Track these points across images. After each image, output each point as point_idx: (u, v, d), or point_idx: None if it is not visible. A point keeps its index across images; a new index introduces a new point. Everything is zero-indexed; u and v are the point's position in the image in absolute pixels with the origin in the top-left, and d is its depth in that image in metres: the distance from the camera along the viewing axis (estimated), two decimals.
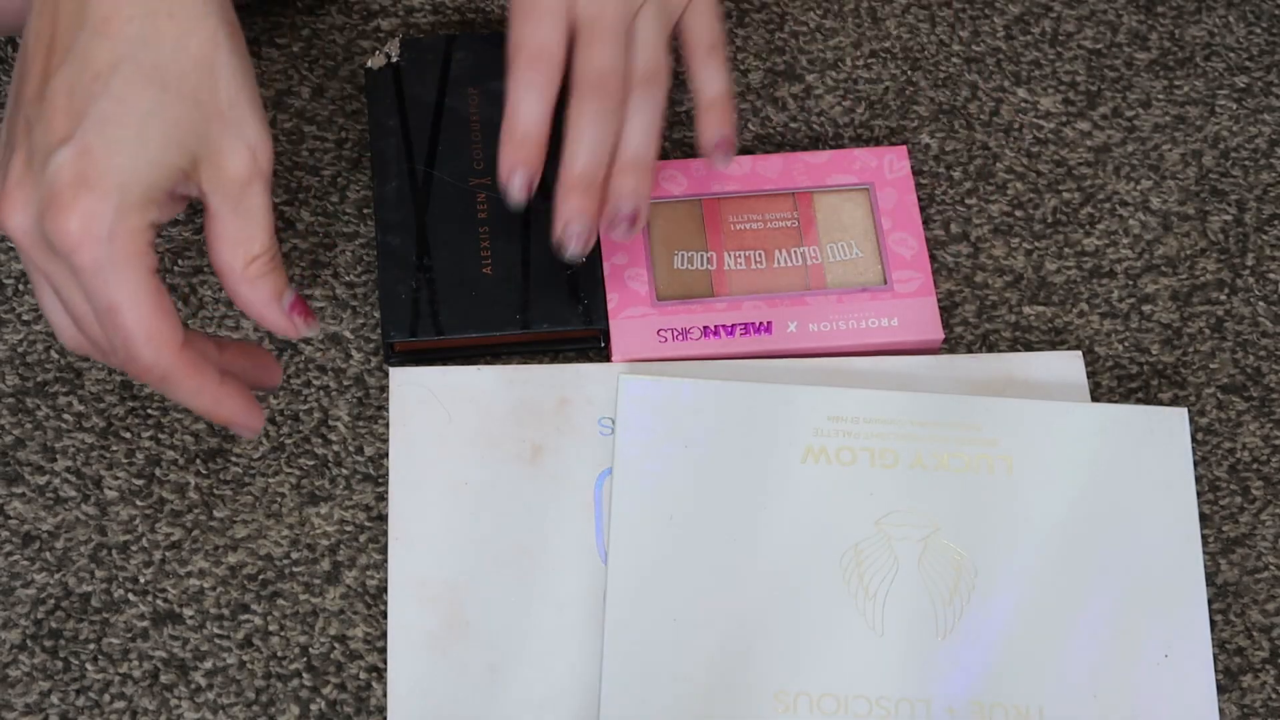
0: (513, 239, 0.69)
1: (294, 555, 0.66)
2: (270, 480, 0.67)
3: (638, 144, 0.63)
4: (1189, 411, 0.70)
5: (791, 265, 0.70)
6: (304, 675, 0.64)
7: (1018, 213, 0.74)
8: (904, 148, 0.72)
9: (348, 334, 0.70)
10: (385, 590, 0.65)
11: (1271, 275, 0.73)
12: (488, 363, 0.69)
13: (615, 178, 0.63)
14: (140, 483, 0.67)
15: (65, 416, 0.68)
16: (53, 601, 0.65)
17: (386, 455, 0.67)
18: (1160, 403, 0.70)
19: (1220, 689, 0.65)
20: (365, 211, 0.72)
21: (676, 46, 0.66)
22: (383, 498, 0.67)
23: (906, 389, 0.68)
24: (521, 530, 0.65)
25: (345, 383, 0.69)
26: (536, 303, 0.68)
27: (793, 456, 0.66)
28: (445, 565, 0.65)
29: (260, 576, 0.65)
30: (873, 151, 0.72)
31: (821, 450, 0.66)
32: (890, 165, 0.72)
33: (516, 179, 0.62)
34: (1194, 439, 0.70)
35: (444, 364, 0.68)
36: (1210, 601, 0.67)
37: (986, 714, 0.63)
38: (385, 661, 0.64)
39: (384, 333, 0.67)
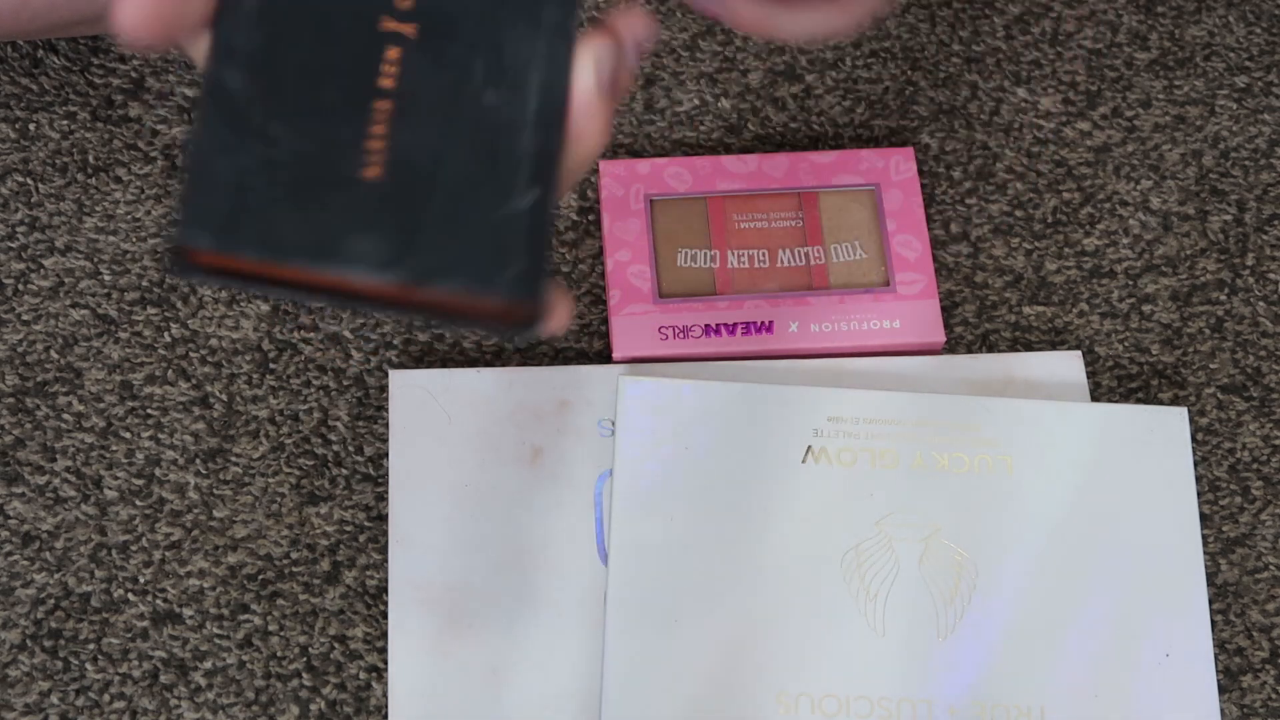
0: (427, 130, 0.42)
1: (294, 555, 0.66)
2: (270, 480, 0.67)
3: None
4: (1189, 411, 0.70)
5: (795, 265, 0.70)
6: (304, 675, 0.64)
7: (1018, 213, 0.74)
8: (910, 149, 0.72)
9: (347, 334, 0.69)
10: (385, 590, 0.65)
11: (1271, 275, 0.73)
12: (487, 364, 0.69)
13: None
14: (140, 483, 0.67)
15: (65, 416, 0.68)
16: (53, 601, 0.65)
17: (386, 455, 0.67)
18: (1160, 403, 0.70)
19: (1220, 689, 0.65)
20: None
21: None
22: (383, 498, 0.67)
23: (907, 389, 0.68)
24: (522, 532, 0.65)
25: (345, 383, 0.69)
26: (437, 242, 0.41)
27: (793, 457, 0.66)
28: (445, 567, 0.65)
29: (260, 576, 0.65)
30: (879, 153, 0.72)
31: (822, 451, 0.66)
32: (896, 166, 0.72)
33: None
34: (1194, 439, 0.70)
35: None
36: (1210, 601, 0.67)
37: (988, 714, 0.63)
38: (385, 661, 0.64)
39: (181, 226, 0.40)
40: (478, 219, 0.41)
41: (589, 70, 0.43)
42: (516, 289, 0.40)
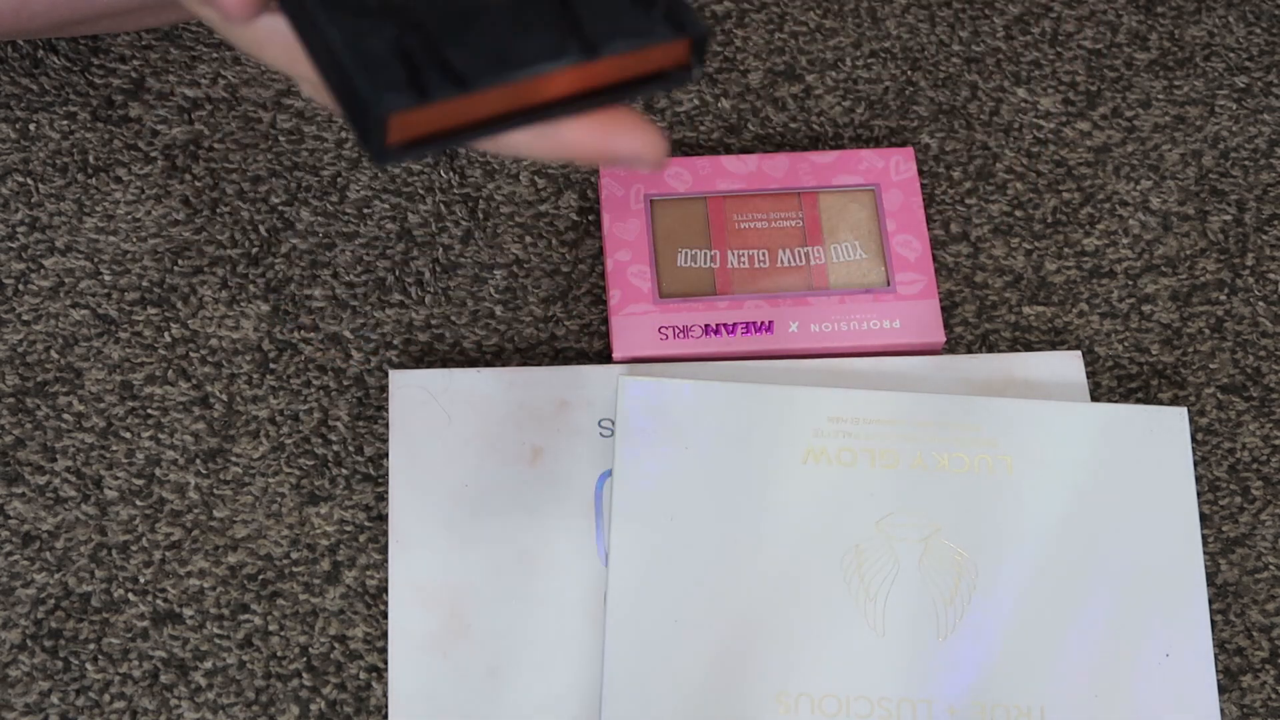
0: None
1: (294, 555, 0.66)
2: (270, 480, 0.67)
3: None
4: (1189, 411, 0.70)
5: (795, 265, 0.70)
6: (304, 675, 0.64)
7: (1018, 213, 0.74)
8: (910, 149, 0.72)
9: (347, 334, 0.69)
10: (385, 590, 0.65)
11: (1271, 275, 0.73)
12: (487, 364, 0.69)
13: None
14: (140, 483, 0.67)
15: (65, 416, 0.68)
16: (53, 601, 0.65)
17: (386, 455, 0.67)
18: (1160, 403, 0.70)
19: (1220, 689, 0.65)
20: (365, 211, 0.72)
21: None
22: (383, 498, 0.67)
23: (907, 389, 0.68)
24: (522, 532, 0.65)
25: (345, 383, 0.69)
26: (586, 18, 0.44)
27: (793, 457, 0.66)
28: (445, 567, 0.65)
29: (260, 576, 0.65)
30: (879, 153, 0.72)
31: (822, 451, 0.66)
32: (896, 166, 0.72)
33: None
34: (1194, 439, 0.70)
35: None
36: (1210, 601, 0.67)
37: (988, 714, 0.63)
38: (385, 662, 0.64)
39: (369, 107, 0.42)
40: None
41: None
42: (671, 27, 0.44)
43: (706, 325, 0.69)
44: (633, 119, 0.45)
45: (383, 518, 0.66)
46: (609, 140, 0.45)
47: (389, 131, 0.43)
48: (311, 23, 0.43)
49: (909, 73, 0.77)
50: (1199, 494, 0.69)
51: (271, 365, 0.69)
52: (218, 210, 0.72)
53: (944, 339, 0.69)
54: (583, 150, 0.45)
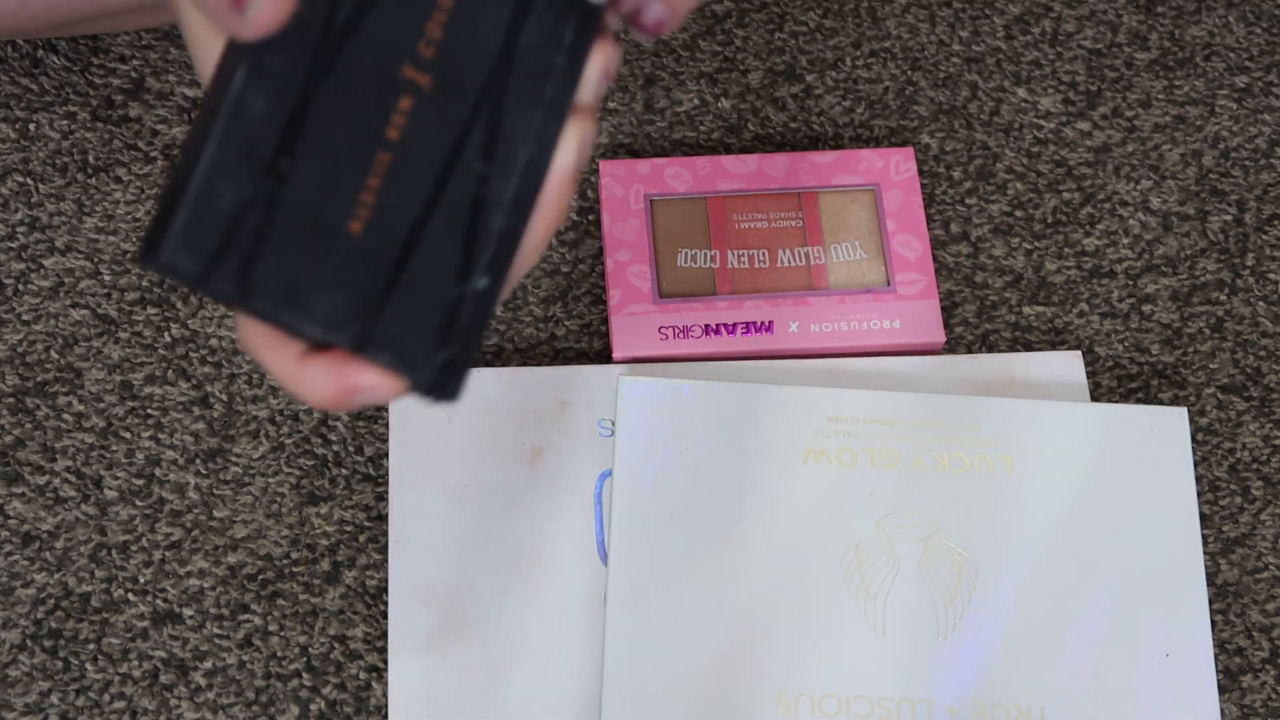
0: (414, 190, 0.41)
1: (294, 555, 0.66)
2: (270, 480, 0.67)
3: None
4: (1189, 411, 0.70)
5: (795, 265, 0.70)
6: (304, 675, 0.64)
7: (1018, 213, 0.74)
8: (910, 149, 0.72)
9: None
10: (385, 590, 0.65)
11: (1271, 275, 0.73)
12: (487, 364, 0.69)
13: None
14: (140, 483, 0.67)
15: (65, 416, 0.68)
16: (53, 601, 0.65)
17: (386, 455, 0.67)
18: (1160, 403, 0.70)
19: (1220, 689, 0.65)
20: None
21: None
22: (383, 498, 0.67)
23: (907, 389, 0.68)
24: (522, 532, 0.65)
25: None
26: (385, 314, 0.41)
27: (793, 457, 0.66)
28: (445, 567, 0.65)
29: (260, 576, 0.65)
30: (879, 153, 0.72)
31: (822, 451, 0.66)
32: (896, 166, 0.72)
33: None
34: (1194, 439, 0.70)
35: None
36: (1210, 601, 0.67)
37: (988, 714, 0.63)
38: (385, 662, 0.64)
39: (166, 241, 0.39)
40: (432, 294, 0.41)
41: (572, 151, 0.43)
42: (439, 378, 0.41)
43: (706, 325, 0.69)
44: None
45: (383, 518, 0.66)
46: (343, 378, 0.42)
47: (168, 266, 0.39)
48: (217, 110, 0.39)
49: (909, 73, 0.77)
50: (1199, 494, 0.69)
51: None
52: None
53: (944, 339, 0.69)
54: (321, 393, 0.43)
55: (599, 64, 0.43)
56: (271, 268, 0.40)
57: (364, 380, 0.41)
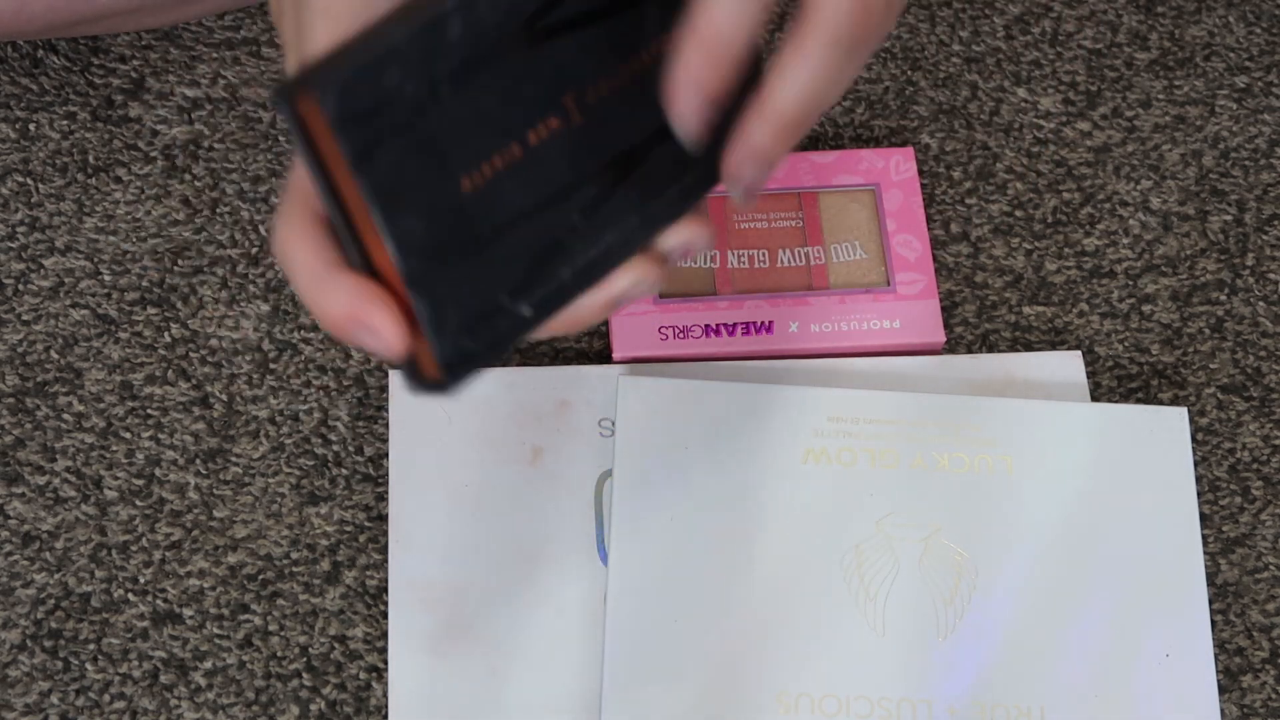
0: (522, 194, 0.44)
1: (294, 555, 0.66)
2: (270, 480, 0.67)
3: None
4: (1189, 411, 0.70)
5: (795, 265, 0.70)
6: (304, 675, 0.64)
7: (1018, 213, 0.74)
8: (910, 149, 0.73)
9: None
10: (385, 590, 0.65)
11: (1271, 275, 0.73)
12: None
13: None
14: (140, 483, 0.67)
15: (65, 416, 0.68)
16: (53, 601, 0.65)
17: (386, 455, 0.67)
18: (1160, 403, 0.70)
19: (1220, 689, 0.65)
20: None
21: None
22: (383, 498, 0.67)
23: (907, 389, 0.68)
24: (522, 532, 0.65)
25: (345, 383, 0.69)
26: (452, 278, 0.43)
27: (793, 457, 0.66)
28: (446, 567, 0.65)
29: (260, 576, 0.65)
30: (879, 152, 0.72)
31: (822, 451, 0.66)
32: (896, 166, 0.72)
33: (695, 104, 0.43)
34: (1194, 439, 0.70)
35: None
36: (1210, 601, 0.67)
37: (988, 714, 0.63)
38: (385, 662, 0.64)
39: (322, 78, 0.40)
40: (487, 288, 0.43)
41: (624, 281, 0.46)
42: (452, 358, 0.43)
43: (706, 325, 0.69)
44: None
45: (383, 518, 0.66)
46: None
47: (320, 91, 0.40)
48: (419, 10, 0.41)
49: (909, 73, 0.77)
50: (1199, 494, 0.69)
51: (271, 365, 0.69)
52: (217, 210, 0.72)
53: (944, 339, 0.69)
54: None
55: (685, 232, 0.46)
56: (388, 161, 0.41)
57: (376, 319, 0.41)
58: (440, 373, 0.43)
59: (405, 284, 0.42)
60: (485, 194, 0.43)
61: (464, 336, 0.43)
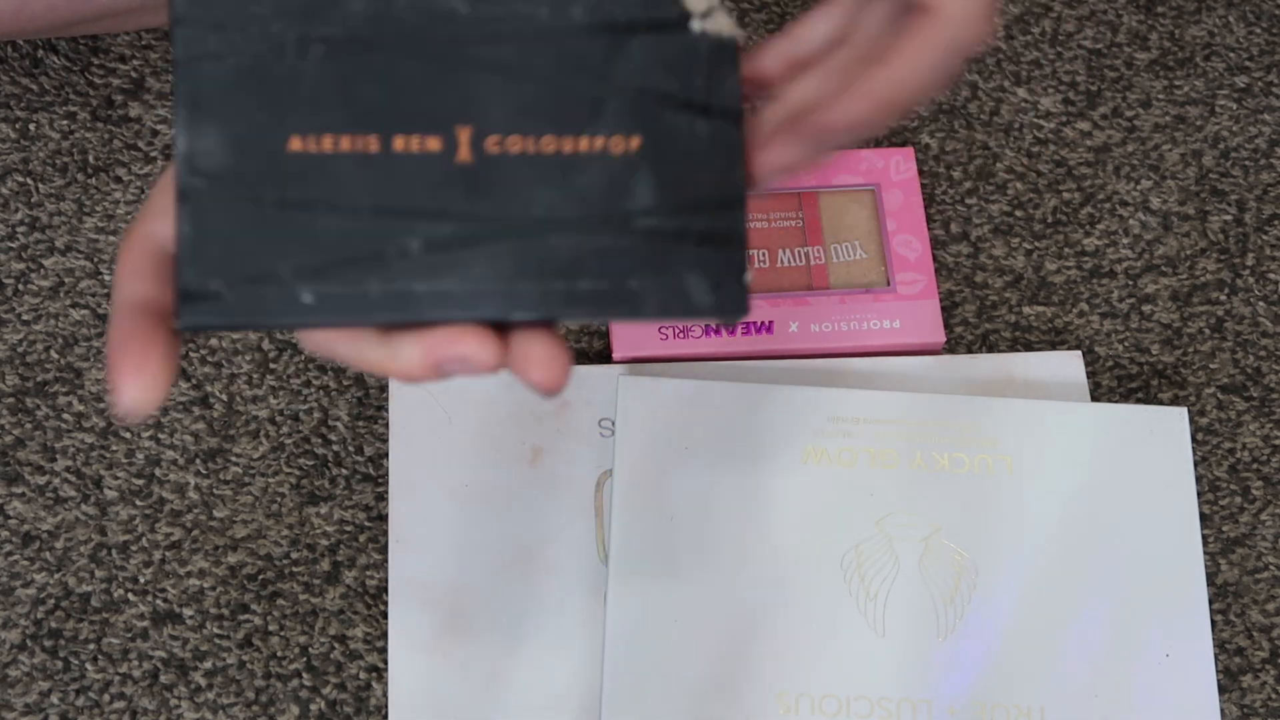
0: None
1: (294, 555, 0.66)
2: (270, 480, 0.67)
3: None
4: (1189, 411, 0.70)
5: (795, 265, 0.70)
6: (304, 675, 0.64)
7: (1018, 213, 0.74)
8: (910, 149, 0.73)
9: None
10: (385, 590, 0.65)
11: (1271, 275, 0.73)
12: None
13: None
14: (140, 482, 0.67)
15: (65, 416, 0.68)
16: (53, 601, 0.65)
17: (386, 455, 0.67)
18: (1160, 403, 0.70)
19: (1220, 689, 0.65)
20: None
21: None
22: (383, 498, 0.67)
23: (907, 389, 0.68)
24: (522, 532, 0.65)
25: (345, 383, 0.69)
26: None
27: (793, 457, 0.66)
28: (445, 567, 0.65)
29: (260, 576, 0.65)
30: (879, 152, 0.72)
31: (822, 451, 0.66)
32: (896, 166, 0.72)
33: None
34: (1194, 439, 0.70)
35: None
36: (1210, 601, 0.67)
37: (988, 714, 0.63)
38: (385, 662, 0.64)
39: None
40: (272, 254, 0.43)
41: (445, 341, 0.42)
42: (197, 294, 0.42)
43: (706, 325, 0.69)
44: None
45: (383, 518, 0.66)
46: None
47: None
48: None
49: None
50: (1199, 494, 0.69)
51: (271, 365, 0.69)
52: None
53: (944, 339, 0.69)
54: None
55: (539, 345, 0.43)
56: (217, 75, 0.42)
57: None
58: (175, 300, 0.42)
59: (177, 194, 0.41)
60: (314, 164, 0.42)
61: (217, 279, 0.42)
